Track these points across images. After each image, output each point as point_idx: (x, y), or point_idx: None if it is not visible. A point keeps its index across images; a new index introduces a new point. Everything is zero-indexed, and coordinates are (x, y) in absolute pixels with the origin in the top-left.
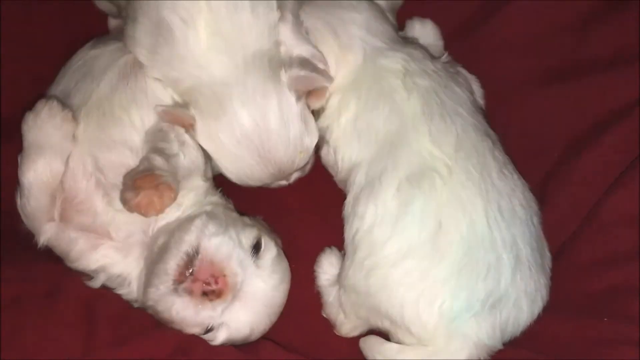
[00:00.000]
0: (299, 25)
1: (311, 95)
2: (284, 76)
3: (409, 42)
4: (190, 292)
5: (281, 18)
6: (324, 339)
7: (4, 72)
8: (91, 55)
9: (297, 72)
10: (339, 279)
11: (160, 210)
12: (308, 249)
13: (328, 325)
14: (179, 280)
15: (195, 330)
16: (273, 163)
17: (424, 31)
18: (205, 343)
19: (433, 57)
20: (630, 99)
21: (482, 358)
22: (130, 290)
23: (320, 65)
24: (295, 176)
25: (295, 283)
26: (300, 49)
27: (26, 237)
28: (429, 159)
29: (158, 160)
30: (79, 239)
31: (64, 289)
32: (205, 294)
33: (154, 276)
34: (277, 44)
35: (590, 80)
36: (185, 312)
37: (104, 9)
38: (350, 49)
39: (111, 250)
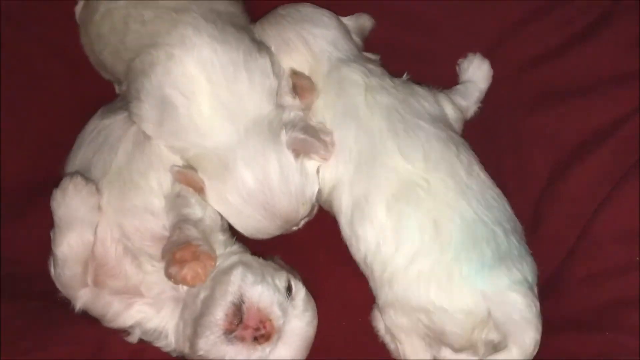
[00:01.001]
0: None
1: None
2: (284, 136)
3: (371, 60)
4: (242, 339)
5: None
6: None
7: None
8: (104, 125)
9: (296, 134)
10: (376, 305)
11: (204, 280)
12: (323, 281)
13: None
14: (229, 329)
15: None
16: (279, 216)
17: (479, 68)
18: None
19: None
20: (612, 120)
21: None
22: (168, 342)
23: (327, 138)
24: (303, 222)
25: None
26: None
27: (64, 303)
28: (406, 175)
29: (191, 230)
30: (114, 301)
31: (108, 347)
32: (255, 338)
33: (203, 328)
34: (278, 106)
35: (573, 102)
36: (238, 357)
37: (108, 78)
38: (319, 60)
39: (145, 307)
